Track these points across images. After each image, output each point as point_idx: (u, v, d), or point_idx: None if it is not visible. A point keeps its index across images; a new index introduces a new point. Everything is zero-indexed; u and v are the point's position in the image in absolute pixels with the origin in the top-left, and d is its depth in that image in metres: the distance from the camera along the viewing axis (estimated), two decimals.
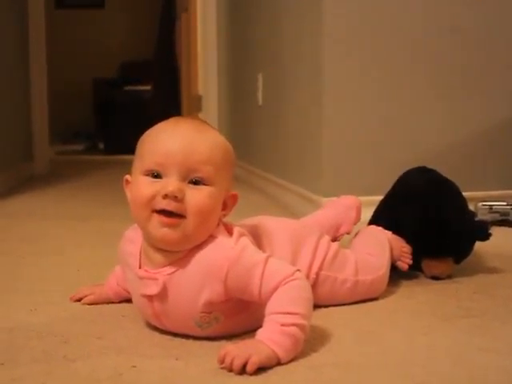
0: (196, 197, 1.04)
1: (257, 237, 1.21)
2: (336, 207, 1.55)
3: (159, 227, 1.04)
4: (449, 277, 1.50)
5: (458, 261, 1.52)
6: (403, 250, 1.48)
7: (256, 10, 3.30)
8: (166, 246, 1.07)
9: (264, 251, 1.13)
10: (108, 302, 1.32)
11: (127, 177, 1.13)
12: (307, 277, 1.24)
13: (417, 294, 1.39)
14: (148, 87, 6.11)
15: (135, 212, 1.07)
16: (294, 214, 2.33)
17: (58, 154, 5.58)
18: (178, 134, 1.07)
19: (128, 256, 1.14)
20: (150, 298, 1.10)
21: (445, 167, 1.64)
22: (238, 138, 3.53)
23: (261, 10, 3.19)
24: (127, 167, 1.14)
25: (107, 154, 5.75)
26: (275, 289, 1.03)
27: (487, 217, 2.09)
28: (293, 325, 1.00)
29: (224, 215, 1.12)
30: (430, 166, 1.62)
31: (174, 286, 1.08)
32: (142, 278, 1.11)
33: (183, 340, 1.11)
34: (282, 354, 0.99)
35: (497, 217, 2.12)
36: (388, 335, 1.14)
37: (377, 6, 2.22)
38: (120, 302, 1.32)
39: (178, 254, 1.08)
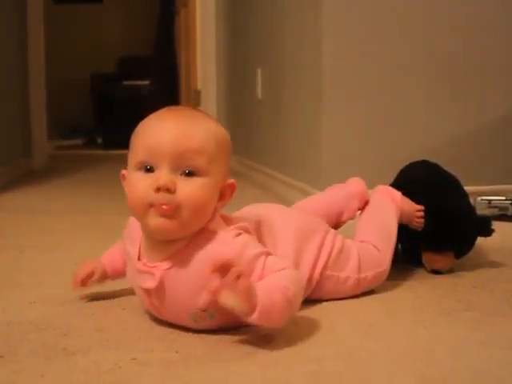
0: (188, 189, 1.04)
1: (259, 232, 1.19)
2: (338, 193, 1.50)
3: (156, 217, 1.04)
4: (449, 271, 1.50)
5: (458, 255, 1.52)
6: (417, 215, 1.46)
7: (256, 3, 3.29)
8: (162, 235, 1.07)
9: (266, 247, 1.13)
10: (104, 279, 1.30)
11: (124, 171, 1.13)
12: (311, 277, 1.24)
13: (417, 288, 1.39)
14: (146, 82, 6.10)
15: (131, 207, 1.08)
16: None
17: (57, 149, 5.57)
18: (169, 124, 1.06)
19: (131, 244, 1.15)
20: (147, 291, 1.10)
21: (444, 161, 1.64)
22: (237, 132, 3.52)
23: (260, 3, 3.19)
24: (125, 162, 1.14)
25: (105, 149, 5.74)
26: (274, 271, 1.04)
27: (486, 211, 2.08)
28: (285, 289, 1.01)
29: (222, 205, 1.11)
30: (430, 160, 1.62)
31: (171, 280, 1.08)
32: (139, 272, 1.11)
33: (183, 333, 1.11)
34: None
35: (495, 211, 2.12)
36: (389, 329, 1.14)
37: (377, 3, 2.21)
38: (115, 279, 1.31)
39: (176, 247, 1.07)
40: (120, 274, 1.29)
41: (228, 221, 1.13)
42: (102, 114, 6.17)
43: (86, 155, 5.41)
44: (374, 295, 1.34)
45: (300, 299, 1.07)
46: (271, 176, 2.89)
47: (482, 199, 2.13)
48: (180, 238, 1.07)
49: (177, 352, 1.02)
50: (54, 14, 6.73)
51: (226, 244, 1.06)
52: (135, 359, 0.99)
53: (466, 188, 1.59)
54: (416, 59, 2.25)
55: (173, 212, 1.03)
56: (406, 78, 2.25)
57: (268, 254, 1.07)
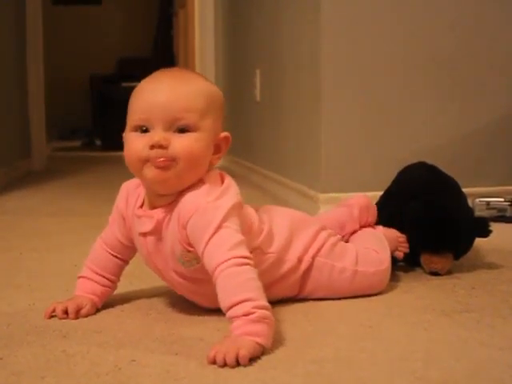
0: (183, 142, 1.11)
1: (257, 211, 1.24)
2: (339, 206, 1.56)
3: (152, 169, 1.11)
4: (448, 272, 1.50)
5: (457, 257, 1.52)
6: (400, 240, 1.50)
7: (254, 5, 3.29)
8: (160, 187, 1.14)
9: (263, 222, 1.21)
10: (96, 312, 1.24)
11: (124, 134, 1.19)
12: (301, 259, 1.27)
13: (416, 289, 1.39)
14: None
15: (129, 162, 1.15)
16: None
17: (55, 151, 5.57)
18: (159, 87, 1.14)
19: (135, 198, 1.21)
20: (144, 235, 1.17)
21: (442, 163, 1.64)
22: (236, 134, 3.50)
23: (259, 5, 3.19)
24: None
25: (104, 151, 5.73)
26: (213, 271, 1.06)
27: (484, 213, 2.09)
28: (254, 308, 1.01)
29: (218, 158, 1.18)
30: (428, 162, 1.62)
31: (165, 224, 1.14)
32: (139, 217, 1.17)
33: (183, 335, 1.11)
34: (263, 341, 1.00)
35: (494, 213, 2.12)
36: (388, 330, 1.14)
37: (376, 4, 2.22)
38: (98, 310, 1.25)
39: (171, 197, 1.14)
40: (106, 295, 1.27)
41: (223, 177, 1.17)
42: (101, 116, 6.17)
43: (85, 157, 5.40)
44: (373, 296, 1.34)
45: (257, 283, 1.05)
46: (270, 178, 2.89)
47: (480, 201, 2.13)
48: (176, 191, 1.14)
49: (177, 354, 1.02)
50: (53, 15, 6.73)
51: (198, 197, 1.11)
52: (135, 361, 1.00)
53: (464, 189, 1.60)
54: (415, 60, 2.25)
55: (168, 164, 1.10)
56: (404, 78, 2.25)
57: (218, 229, 1.07)
